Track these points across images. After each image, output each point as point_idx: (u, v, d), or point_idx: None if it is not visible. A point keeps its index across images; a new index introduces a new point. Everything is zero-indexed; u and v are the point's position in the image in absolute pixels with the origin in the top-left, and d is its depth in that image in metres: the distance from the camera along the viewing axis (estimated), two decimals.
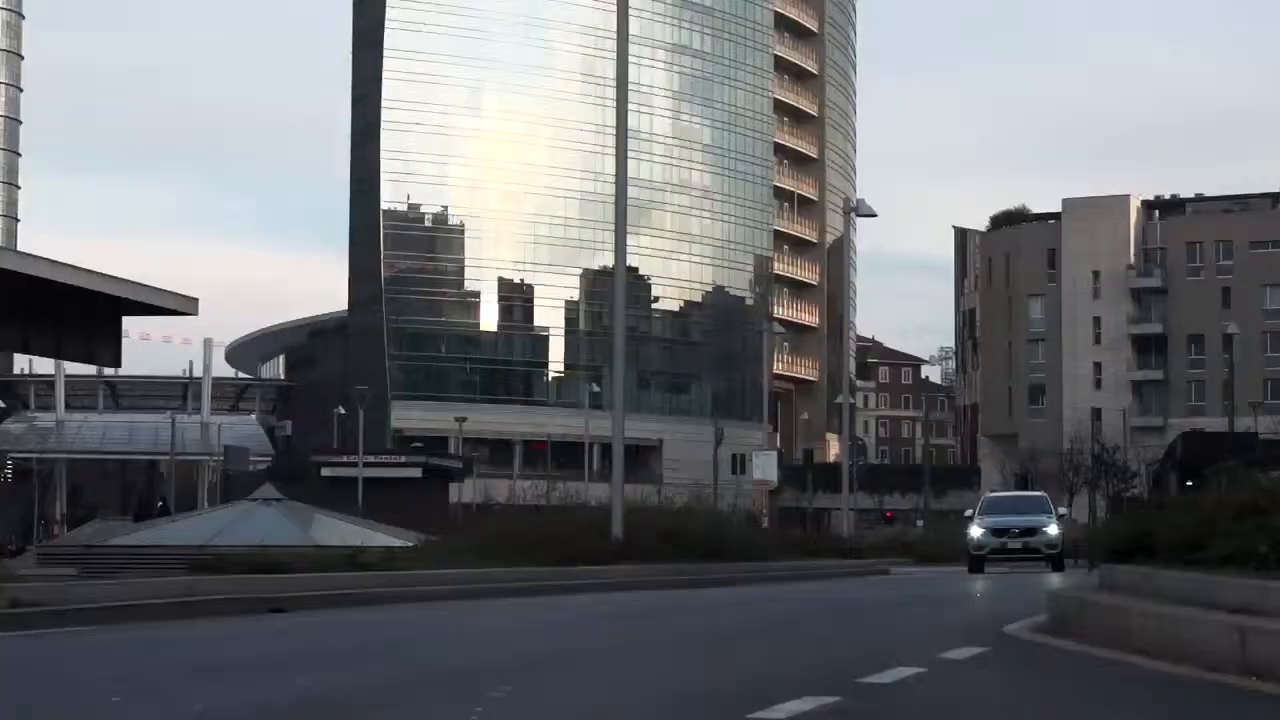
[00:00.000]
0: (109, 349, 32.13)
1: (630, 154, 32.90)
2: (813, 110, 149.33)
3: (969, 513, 43.81)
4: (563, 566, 27.32)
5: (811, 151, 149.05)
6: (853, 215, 54.96)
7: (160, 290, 30.68)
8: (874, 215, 52.21)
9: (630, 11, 33.28)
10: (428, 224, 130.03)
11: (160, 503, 73.07)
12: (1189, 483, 45.62)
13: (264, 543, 30.89)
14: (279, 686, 9.52)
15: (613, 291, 34.27)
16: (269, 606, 18.85)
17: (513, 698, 8.75)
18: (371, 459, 79.26)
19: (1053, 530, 40.80)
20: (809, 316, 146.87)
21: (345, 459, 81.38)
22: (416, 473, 78.87)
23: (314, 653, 12.19)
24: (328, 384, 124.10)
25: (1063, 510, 44.31)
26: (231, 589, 19.68)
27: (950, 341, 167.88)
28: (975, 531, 40.75)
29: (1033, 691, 9.31)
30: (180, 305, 31.13)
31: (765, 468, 65.70)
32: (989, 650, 11.42)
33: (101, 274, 28.97)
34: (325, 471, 79.03)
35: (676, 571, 29.76)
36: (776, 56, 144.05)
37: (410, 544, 33.47)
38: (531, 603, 21.33)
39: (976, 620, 15.27)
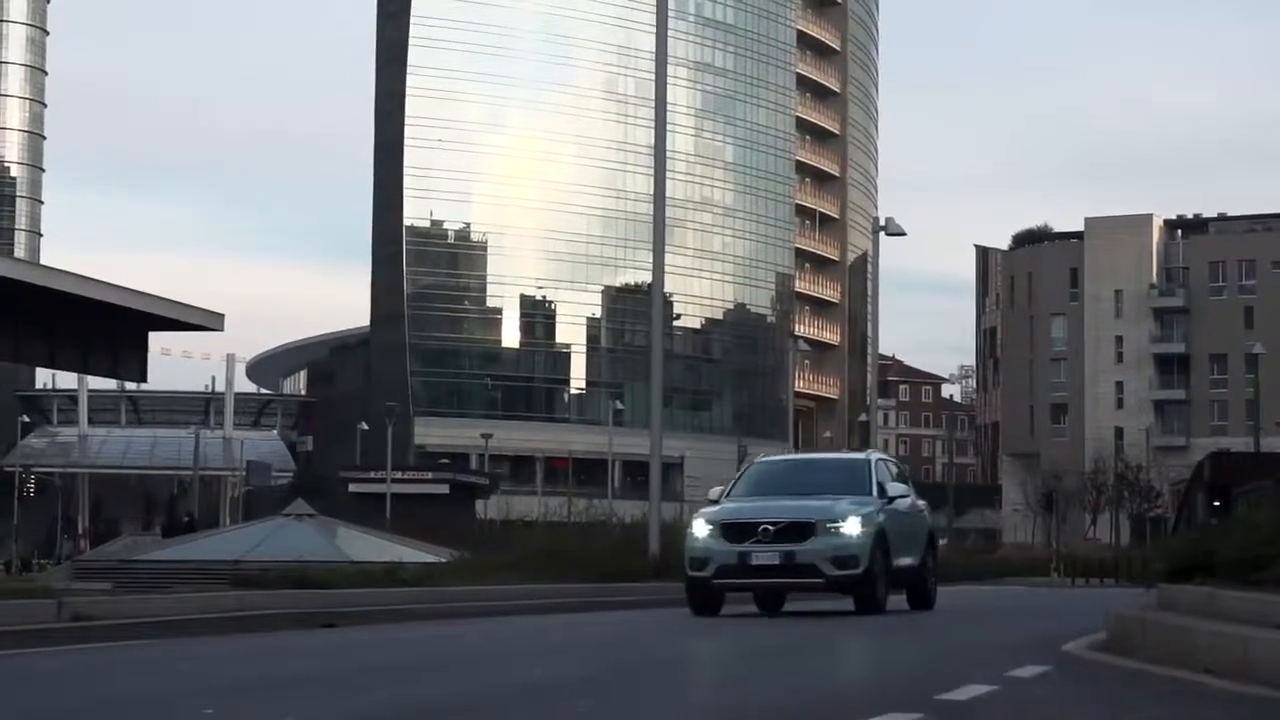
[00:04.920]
0: (135, 364, 32.31)
1: (653, 171, 33.07)
2: (835, 128, 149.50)
3: (714, 492, 22.17)
4: (602, 583, 27.45)
5: (833, 169, 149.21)
6: (881, 234, 54.72)
7: (186, 306, 30.86)
8: (903, 234, 52.12)
9: (653, 29, 33.46)
10: (450, 240, 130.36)
11: (187, 518, 73.21)
12: (1216, 503, 45.47)
13: (298, 558, 31.14)
14: (361, 700, 9.58)
15: (650, 308, 34.34)
16: (320, 622, 18.96)
17: (597, 712, 8.83)
18: (399, 475, 79.63)
19: (852, 529, 20.03)
20: (830, 334, 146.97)
21: (373, 475, 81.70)
22: (444, 489, 79.23)
23: (381, 667, 12.27)
24: (349, 400, 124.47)
25: (903, 489, 21.66)
26: (282, 604, 19.81)
27: (971, 360, 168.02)
28: (699, 530, 20.71)
29: (1107, 710, 9.39)
30: (206, 321, 31.31)
31: None
32: (1054, 669, 11.48)
33: (129, 289, 29.11)
34: (353, 487, 79.42)
35: None
36: (799, 74, 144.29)
37: (441, 560, 33.62)
38: (580, 618, 21.38)
39: (1031, 638, 15.33)
